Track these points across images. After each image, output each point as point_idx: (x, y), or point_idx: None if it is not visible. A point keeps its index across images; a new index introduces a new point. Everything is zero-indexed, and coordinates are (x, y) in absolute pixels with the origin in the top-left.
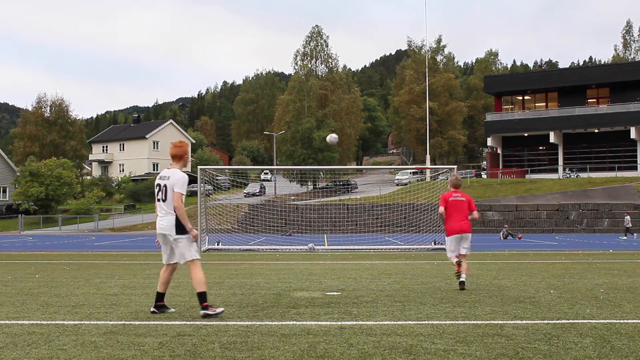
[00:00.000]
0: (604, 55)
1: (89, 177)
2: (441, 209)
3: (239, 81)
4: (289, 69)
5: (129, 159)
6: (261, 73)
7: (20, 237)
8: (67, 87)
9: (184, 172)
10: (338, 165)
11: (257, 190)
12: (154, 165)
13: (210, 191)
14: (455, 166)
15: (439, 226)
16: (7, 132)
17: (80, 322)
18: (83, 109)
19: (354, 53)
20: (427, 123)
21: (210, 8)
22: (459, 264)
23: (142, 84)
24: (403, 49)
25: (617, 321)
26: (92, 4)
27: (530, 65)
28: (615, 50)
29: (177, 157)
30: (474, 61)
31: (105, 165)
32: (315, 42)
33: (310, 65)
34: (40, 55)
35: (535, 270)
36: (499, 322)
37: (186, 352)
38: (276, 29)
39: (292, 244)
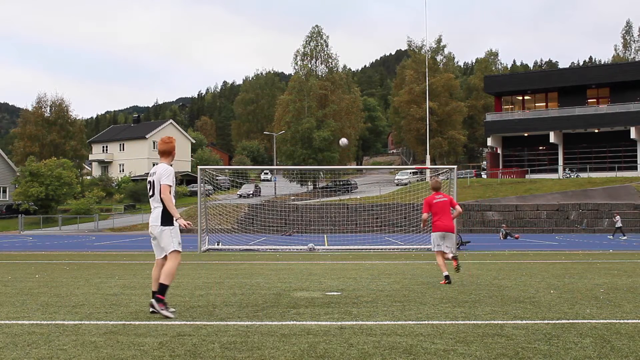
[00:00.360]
0: (604, 55)
1: (89, 177)
2: (425, 215)
3: (239, 81)
4: (289, 69)
5: (129, 159)
6: (261, 73)
7: (20, 237)
8: (67, 87)
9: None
10: (338, 165)
11: (251, 192)
12: (154, 165)
13: (210, 191)
14: (455, 166)
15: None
16: (7, 132)
17: (80, 322)
18: (83, 109)
19: (354, 53)
20: (427, 123)
21: (210, 8)
22: (455, 258)
23: (142, 84)
24: (403, 49)
25: (617, 321)
26: (92, 4)
27: (530, 65)
28: (615, 50)
29: (166, 153)
30: (474, 61)
31: (105, 165)
32: (315, 42)
33: (310, 65)
34: (40, 55)
35: (535, 270)
36: (499, 322)
37: (186, 352)
38: (276, 29)
39: (292, 244)
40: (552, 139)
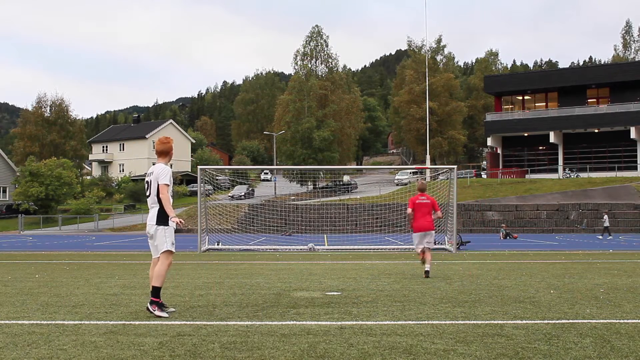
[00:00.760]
0: (604, 55)
1: (89, 177)
2: (409, 210)
3: (239, 81)
4: (289, 69)
5: (129, 159)
6: (261, 73)
7: (20, 237)
8: (67, 87)
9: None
10: (338, 165)
11: (243, 194)
12: (153, 165)
13: (210, 191)
14: (455, 166)
15: (437, 226)
16: (7, 132)
17: (80, 322)
18: (83, 109)
19: (354, 53)
20: (427, 123)
21: (210, 8)
22: (423, 252)
23: (142, 84)
24: (403, 49)
25: (617, 321)
26: (92, 4)
27: (530, 65)
28: (615, 50)
29: (164, 153)
30: (474, 61)
31: (105, 165)
32: (315, 42)
33: (310, 65)
34: (40, 55)
35: (535, 270)
36: (499, 322)
37: (186, 352)
38: (276, 29)
39: (292, 244)
40: (552, 139)
